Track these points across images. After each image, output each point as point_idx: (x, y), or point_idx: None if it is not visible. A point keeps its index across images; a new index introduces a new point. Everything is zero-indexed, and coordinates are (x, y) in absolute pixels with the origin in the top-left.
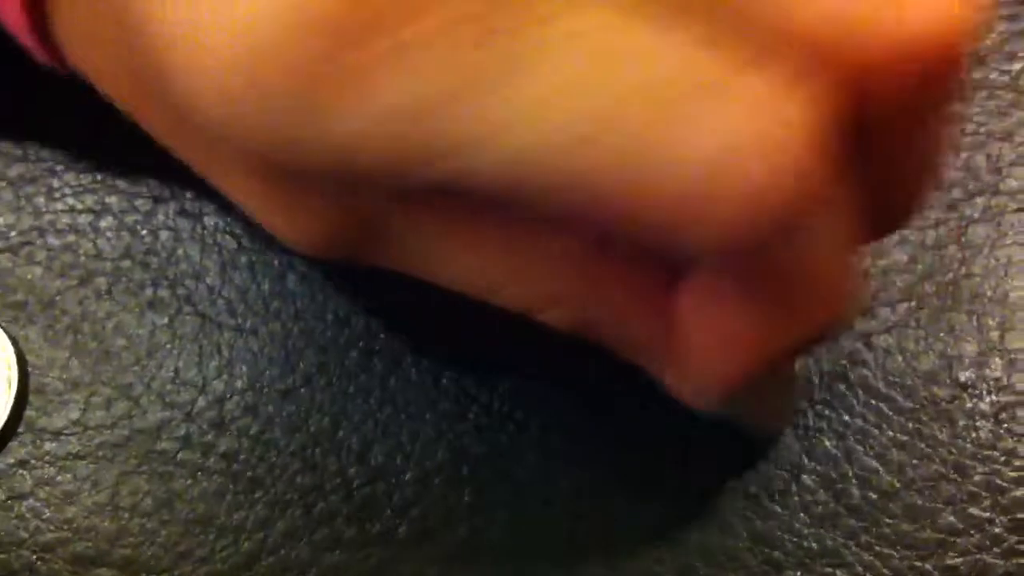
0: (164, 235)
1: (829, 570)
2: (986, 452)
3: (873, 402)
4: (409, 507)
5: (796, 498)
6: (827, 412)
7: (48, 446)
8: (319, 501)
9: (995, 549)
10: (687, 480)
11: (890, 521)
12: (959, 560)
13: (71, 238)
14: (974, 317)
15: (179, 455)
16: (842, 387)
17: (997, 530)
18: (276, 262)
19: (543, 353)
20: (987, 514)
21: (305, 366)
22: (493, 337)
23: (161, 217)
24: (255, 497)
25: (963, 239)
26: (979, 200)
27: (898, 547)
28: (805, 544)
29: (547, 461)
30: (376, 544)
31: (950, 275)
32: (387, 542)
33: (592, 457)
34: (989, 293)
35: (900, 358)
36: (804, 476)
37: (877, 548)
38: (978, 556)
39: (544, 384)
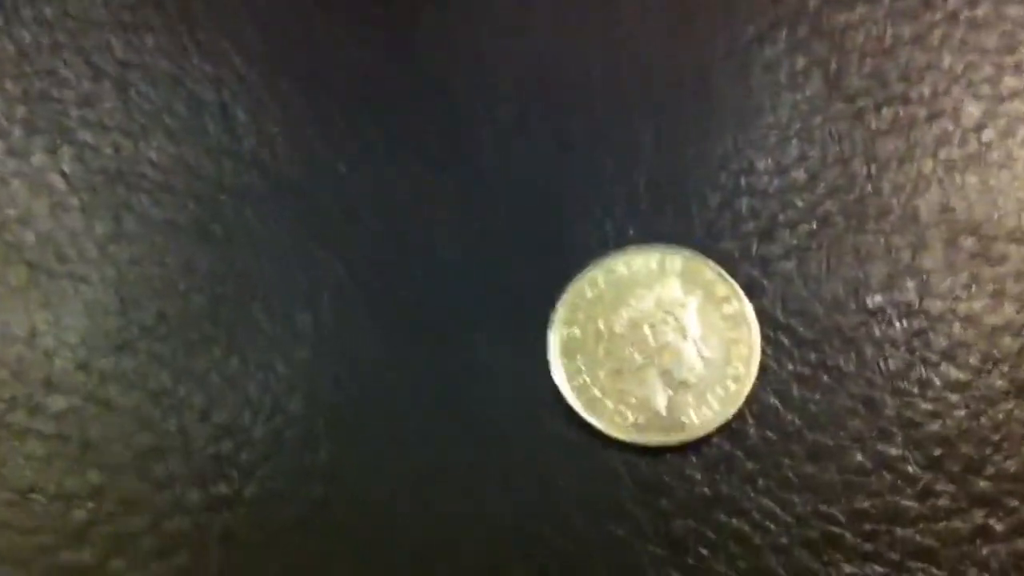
0: None
1: (724, 518)
2: (898, 383)
3: (772, 333)
4: (257, 467)
5: None
6: None
7: None
8: (158, 463)
9: (908, 490)
10: (559, 421)
11: (791, 463)
12: (868, 504)
13: None
14: (882, 237)
15: (5, 416)
16: None
17: (911, 469)
18: (111, 202)
19: (400, 290)
20: (899, 452)
21: (143, 316)
22: (356, 270)
23: None
24: (87, 461)
25: (870, 153)
26: (887, 111)
27: (801, 491)
28: (696, 491)
29: (406, 407)
30: (221, 508)
31: (855, 192)
32: (233, 505)
33: (458, 405)
34: (899, 210)
35: (801, 284)
36: None
37: (777, 493)
38: (890, 499)
39: (403, 331)
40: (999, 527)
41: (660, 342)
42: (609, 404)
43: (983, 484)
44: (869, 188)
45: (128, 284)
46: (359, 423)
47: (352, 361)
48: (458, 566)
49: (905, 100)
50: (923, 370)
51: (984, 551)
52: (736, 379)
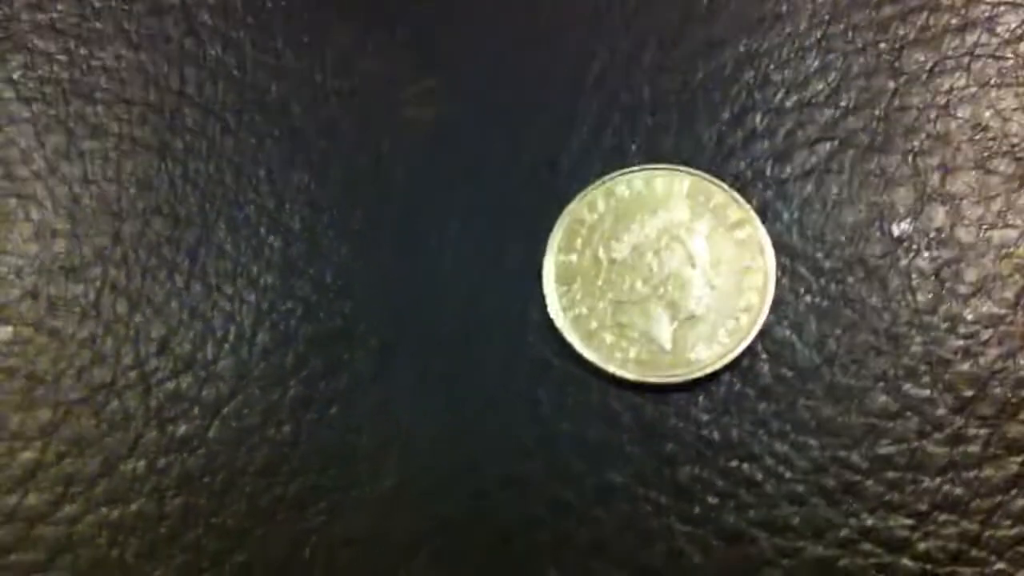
0: None
1: (734, 464)
2: (925, 318)
3: (788, 262)
4: (222, 404)
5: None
6: None
7: None
8: (112, 399)
9: (936, 435)
10: (555, 357)
11: (809, 404)
12: (893, 449)
13: None
14: (909, 157)
15: None
16: None
17: (940, 412)
18: (63, 114)
19: (380, 212)
20: (927, 392)
21: (97, 239)
22: (330, 189)
23: None
24: (36, 396)
25: (896, 65)
26: (914, 18)
27: (818, 435)
28: (704, 434)
29: (392, 346)
30: (182, 448)
31: (880, 108)
32: (195, 446)
33: (445, 339)
34: (927, 129)
35: (821, 209)
36: None
37: (793, 437)
38: (916, 444)
39: (384, 256)
40: None
41: (665, 270)
42: (609, 338)
43: (1018, 429)
44: (895, 104)
45: (81, 204)
46: (334, 356)
47: (325, 289)
48: (443, 513)
49: (935, 7)
50: (953, 304)
51: (1019, 502)
52: (748, 311)
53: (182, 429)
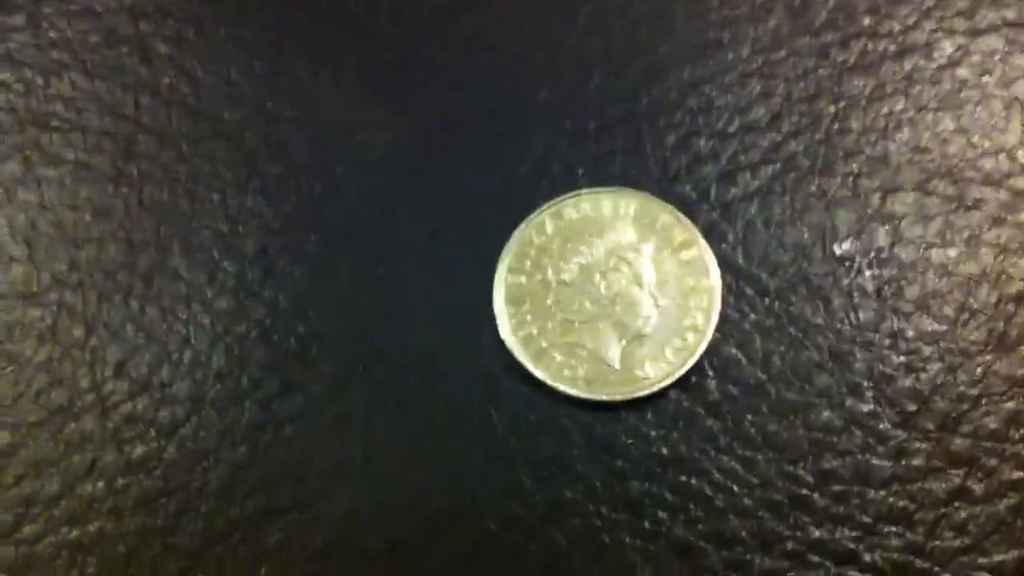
0: None
1: (683, 479)
2: (868, 335)
3: (733, 281)
4: (178, 426)
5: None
6: None
7: None
8: (70, 422)
9: (880, 449)
10: (505, 376)
11: (755, 420)
12: (838, 463)
13: None
14: (850, 180)
15: None
16: None
17: (883, 427)
18: (20, 142)
19: (334, 236)
20: (870, 407)
21: (53, 264)
22: (285, 214)
23: None
24: None
25: (836, 90)
26: (854, 44)
27: (765, 450)
28: (653, 450)
29: (346, 368)
30: (139, 470)
31: (821, 132)
32: (152, 467)
33: (397, 359)
34: (868, 151)
35: (764, 229)
36: None
37: (740, 452)
38: (861, 458)
39: (337, 279)
40: (977, 488)
41: (613, 291)
42: (558, 356)
43: (960, 442)
44: (836, 128)
45: (38, 230)
46: (288, 378)
47: (279, 312)
48: (396, 531)
49: (874, 34)
50: (895, 321)
51: (962, 514)
52: (695, 330)
53: (139, 451)
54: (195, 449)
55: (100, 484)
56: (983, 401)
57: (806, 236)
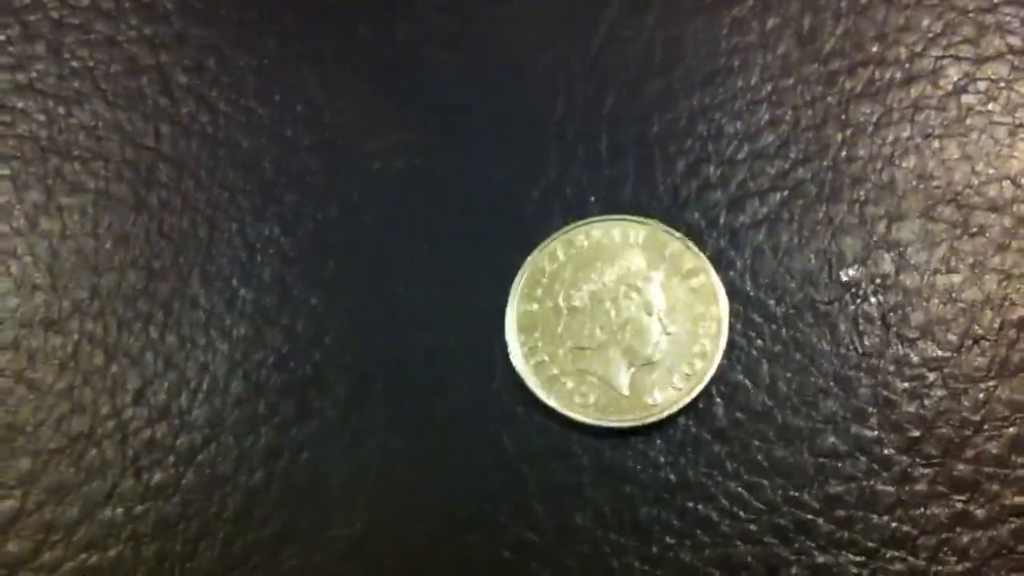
0: None
1: (690, 505)
2: (873, 361)
3: (741, 308)
4: (196, 452)
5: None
6: None
7: None
8: (90, 448)
9: (884, 475)
10: (517, 402)
11: (761, 445)
12: (842, 488)
13: None
14: (857, 206)
15: None
16: None
17: (887, 452)
18: (42, 171)
19: (350, 264)
20: (875, 433)
21: (75, 292)
22: (302, 243)
23: None
24: (16, 446)
25: (844, 117)
26: (861, 72)
27: (771, 476)
28: (661, 476)
29: (361, 393)
30: (158, 496)
31: (828, 160)
32: (170, 493)
33: (411, 386)
34: (874, 179)
35: (772, 256)
36: None
37: (746, 477)
38: (865, 483)
39: (353, 306)
40: (979, 513)
41: (623, 318)
42: (569, 383)
43: (963, 468)
44: (843, 155)
45: (59, 258)
46: (304, 404)
47: (296, 338)
48: (412, 554)
49: (881, 62)
50: (900, 347)
51: (964, 539)
52: (703, 356)
53: (157, 477)
54: (213, 475)
55: (119, 510)
56: (986, 427)
57: (813, 262)
